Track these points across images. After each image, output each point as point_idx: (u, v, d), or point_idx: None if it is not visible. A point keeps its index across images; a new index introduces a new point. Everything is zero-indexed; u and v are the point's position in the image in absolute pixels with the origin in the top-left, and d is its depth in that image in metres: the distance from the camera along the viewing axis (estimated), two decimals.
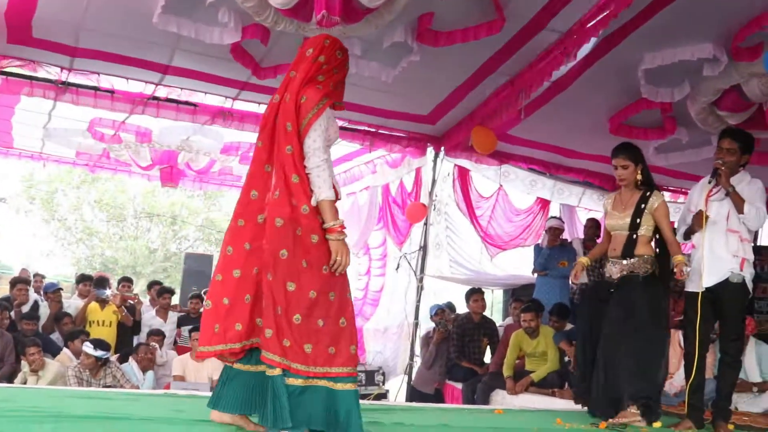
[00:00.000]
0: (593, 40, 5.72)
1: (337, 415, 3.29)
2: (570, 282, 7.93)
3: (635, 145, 5.19)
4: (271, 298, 3.30)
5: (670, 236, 4.92)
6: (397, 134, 8.25)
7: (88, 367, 6.85)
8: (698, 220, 4.81)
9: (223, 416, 3.51)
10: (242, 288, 3.38)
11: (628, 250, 4.96)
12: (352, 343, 3.43)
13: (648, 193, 5.00)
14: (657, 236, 4.99)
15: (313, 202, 3.34)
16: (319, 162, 3.34)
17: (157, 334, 8.16)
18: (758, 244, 9.40)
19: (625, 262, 4.95)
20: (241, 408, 3.45)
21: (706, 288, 4.75)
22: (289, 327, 3.28)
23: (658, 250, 5.01)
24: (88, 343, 6.94)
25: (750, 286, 4.77)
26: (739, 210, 4.66)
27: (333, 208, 3.37)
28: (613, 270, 5.01)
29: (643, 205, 4.97)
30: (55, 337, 7.97)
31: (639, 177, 5.06)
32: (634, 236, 4.95)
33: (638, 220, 4.95)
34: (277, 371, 3.24)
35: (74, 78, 6.93)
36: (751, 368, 6.39)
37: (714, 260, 4.73)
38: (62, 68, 6.73)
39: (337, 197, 3.46)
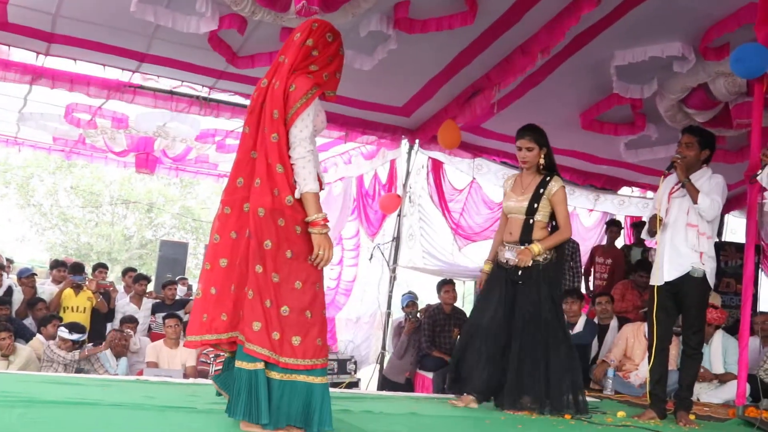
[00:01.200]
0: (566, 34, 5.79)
1: (312, 410, 3.25)
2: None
3: (541, 128, 5.02)
4: (259, 291, 3.24)
5: (562, 224, 4.86)
6: (372, 125, 8.28)
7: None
8: (653, 223, 4.94)
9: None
10: (228, 277, 3.33)
11: (525, 235, 4.84)
12: (323, 335, 3.40)
13: (548, 178, 4.88)
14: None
15: (296, 195, 3.28)
16: (304, 153, 3.27)
17: (131, 321, 8.16)
18: (722, 239, 9.63)
19: (522, 248, 4.81)
20: None
21: (669, 282, 4.87)
22: (278, 319, 3.22)
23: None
24: (62, 328, 6.97)
25: (711, 280, 4.88)
26: (694, 200, 4.77)
27: (317, 201, 3.30)
28: (509, 256, 4.85)
29: (541, 190, 4.84)
30: (29, 322, 7.95)
31: (542, 161, 4.92)
32: (531, 221, 4.84)
33: (536, 205, 4.83)
34: (260, 365, 3.20)
35: (51, 63, 6.90)
36: (716, 359, 6.54)
37: (675, 255, 4.84)
38: (38, 53, 6.70)
39: (321, 188, 3.39)
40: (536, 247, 4.72)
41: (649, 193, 9.62)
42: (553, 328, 4.74)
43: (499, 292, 4.87)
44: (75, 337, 6.90)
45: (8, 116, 9.07)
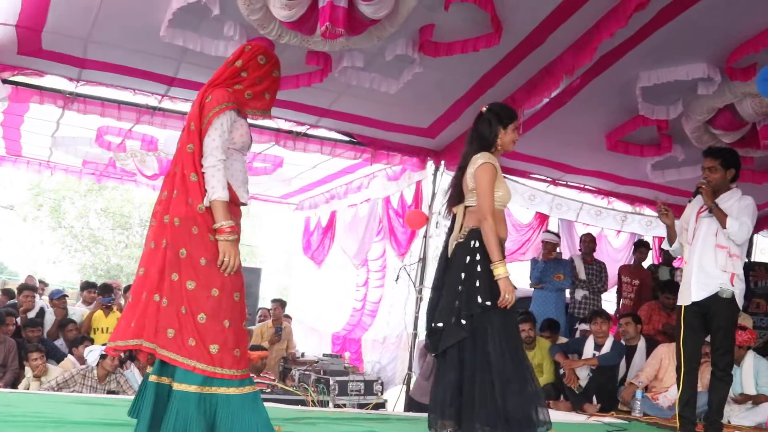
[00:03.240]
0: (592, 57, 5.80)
1: (223, 421, 3.21)
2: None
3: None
4: (173, 298, 3.25)
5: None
6: (397, 147, 8.33)
7: (112, 368, 6.93)
8: (671, 233, 5.00)
9: None
10: (143, 285, 3.34)
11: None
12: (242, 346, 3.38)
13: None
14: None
15: (205, 202, 3.30)
16: (214, 162, 3.30)
17: None
18: (752, 260, 9.52)
19: None
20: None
21: (696, 302, 4.84)
22: (194, 326, 3.21)
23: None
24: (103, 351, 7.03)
25: (740, 301, 4.85)
26: (722, 225, 4.76)
27: (224, 209, 3.32)
28: None
29: None
30: (60, 343, 8.05)
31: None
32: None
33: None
34: (183, 387, 3.18)
35: (82, 89, 7.05)
36: (747, 381, 6.45)
37: (703, 275, 4.82)
38: (70, 79, 6.84)
39: (237, 201, 3.46)
40: None
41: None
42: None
43: None
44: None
45: (42, 141, 9.24)
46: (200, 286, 3.26)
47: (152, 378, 3.29)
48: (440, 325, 3.72)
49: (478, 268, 3.70)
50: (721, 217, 4.78)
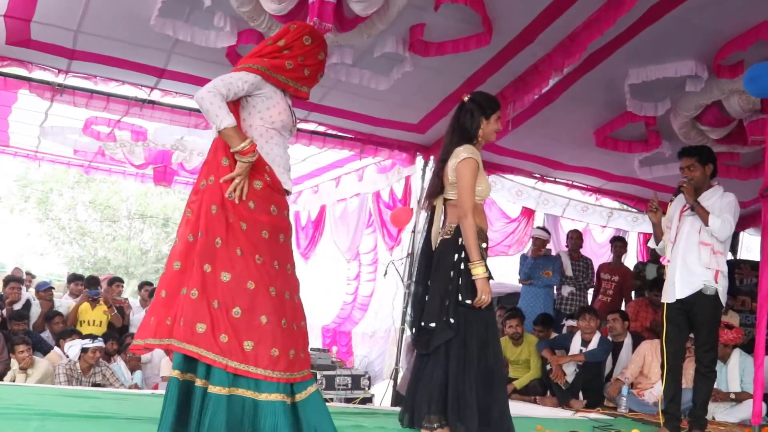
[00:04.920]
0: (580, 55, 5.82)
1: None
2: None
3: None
4: (206, 291, 3.05)
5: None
6: (387, 142, 8.34)
7: (94, 360, 6.93)
8: (658, 232, 5.03)
9: None
10: (180, 281, 3.15)
11: None
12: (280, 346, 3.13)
13: None
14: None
15: (214, 133, 3.15)
16: (206, 89, 3.10)
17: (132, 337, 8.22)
18: (737, 257, 9.58)
19: None
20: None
21: (680, 299, 4.87)
22: (228, 321, 3.03)
23: None
24: (86, 341, 7.02)
25: (723, 298, 4.89)
26: (705, 222, 4.81)
27: (238, 132, 3.13)
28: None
29: None
30: (46, 335, 8.03)
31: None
32: None
33: None
34: (217, 389, 2.99)
35: (71, 80, 7.01)
36: (732, 378, 6.50)
37: (687, 273, 4.86)
38: (59, 70, 6.80)
39: (279, 187, 3.27)
40: None
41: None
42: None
43: None
44: (98, 343, 7.01)
45: (29, 130, 9.19)
46: (236, 278, 3.08)
47: (175, 374, 3.08)
48: (432, 325, 3.67)
49: (462, 266, 3.67)
50: (704, 214, 4.83)
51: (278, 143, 3.33)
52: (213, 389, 3.00)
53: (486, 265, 3.68)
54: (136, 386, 7.44)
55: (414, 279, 3.99)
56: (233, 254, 3.09)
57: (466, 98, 3.91)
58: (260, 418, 3.02)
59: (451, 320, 3.62)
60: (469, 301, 3.62)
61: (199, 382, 3.05)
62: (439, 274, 3.76)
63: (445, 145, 3.89)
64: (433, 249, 3.89)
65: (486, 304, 3.65)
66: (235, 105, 3.27)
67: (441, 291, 3.71)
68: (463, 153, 3.74)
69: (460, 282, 3.65)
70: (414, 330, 3.82)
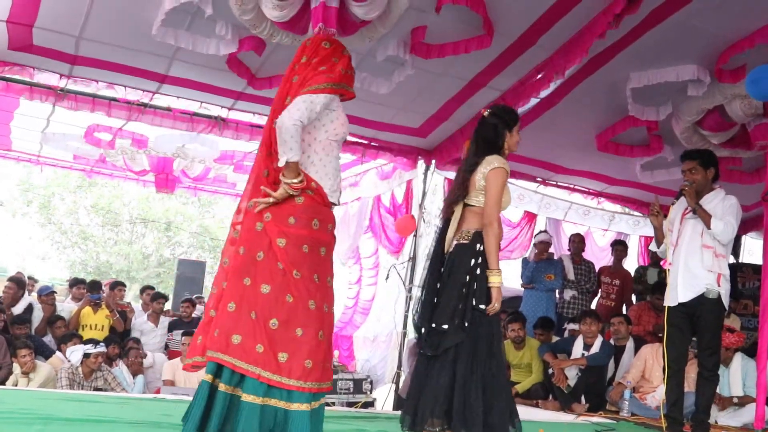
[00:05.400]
0: (582, 59, 5.82)
1: None
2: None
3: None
4: (244, 303, 3.15)
5: None
6: (389, 147, 8.34)
7: (96, 365, 6.95)
8: (659, 234, 5.07)
9: None
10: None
11: None
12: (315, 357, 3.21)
13: None
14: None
15: (280, 163, 3.20)
16: (291, 121, 3.15)
17: (136, 343, 8.22)
18: (740, 261, 9.57)
19: None
20: None
21: (683, 303, 4.87)
22: (264, 332, 3.11)
23: None
24: (88, 346, 7.03)
25: (726, 301, 4.88)
26: (707, 225, 4.81)
27: (298, 167, 3.22)
28: None
29: None
30: (48, 340, 8.02)
31: None
32: None
33: None
34: (251, 398, 3.08)
35: (73, 85, 7.02)
36: (735, 381, 6.49)
37: (689, 276, 4.86)
38: (61, 75, 6.82)
39: (327, 201, 3.34)
40: None
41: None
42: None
43: None
44: (101, 348, 7.02)
45: (31, 136, 9.21)
46: (275, 290, 3.16)
47: (207, 377, 3.19)
48: (445, 327, 3.72)
49: (478, 271, 3.73)
50: (705, 217, 4.83)
51: (336, 155, 3.43)
52: (247, 398, 3.09)
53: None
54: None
55: (423, 281, 4.01)
56: (274, 267, 3.18)
57: (486, 113, 4.01)
58: (290, 427, 3.09)
59: (465, 323, 3.68)
60: (482, 306, 3.68)
61: (222, 387, 3.14)
62: (455, 277, 3.80)
63: (469, 157, 3.95)
64: (446, 252, 3.92)
65: (496, 311, 3.72)
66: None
67: (455, 294, 3.75)
68: (495, 162, 3.82)
69: (475, 287, 3.71)
70: (423, 330, 3.85)
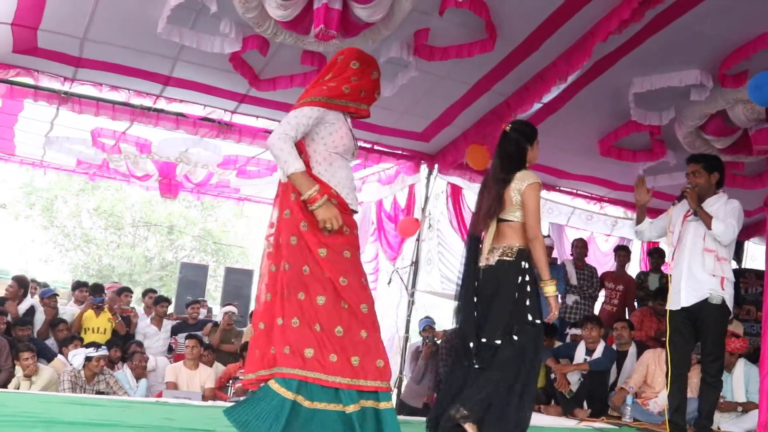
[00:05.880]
0: (584, 63, 5.83)
1: None
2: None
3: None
4: (305, 317, 3.22)
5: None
6: (391, 151, 8.35)
7: (98, 369, 6.95)
8: (640, 213, 5.12)
9: None
10: (271, 311, 3.34)
11: None
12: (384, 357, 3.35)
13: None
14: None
15: (283, 179, 3.31)
16: (279, 134, 3.27)
17: (139, 346, 8.22)
18: (743, 267, 9.56)
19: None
20: None
21: (686, 308, 4.86)
22: (333, 341, 3.20)
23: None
24: (90, 350, 7.03)
25: (731, 305, 4.87)
26: (708, 226, 4.81)
27: (306, 178, 3.29)
28: None
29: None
30: (50, 342, 8.03)
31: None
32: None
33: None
34: (331, 407, 3.15)
35: (77, 88, 7.04)
36: (738, 387, 6.48)
37: (693, 281, 4.85)
38: (65, 78, 6.83)
39: (347, 208, 3.40)
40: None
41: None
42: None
43: None
44: (102, 352, 7.02)
45: (35, 140, 9.21)
46: (330, 300, 3.25)
47: (288, 395, 3.16)
48: (498, 342, 3.83)
49: (528, 288, 3.87)
50: (706, 219, 4.84)
51: (341, 166, 3.47)
52: (349, 408, 3.15)
53: None
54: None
55: (460, 296, 4.13)
56: (323, 278, 3.26)
57: (508, 128, 4.15)
58: (384, 427, 3.20)
59: (515, 337, 3.82)
60: (538, 321, 3.86)
61: (307, 404, 3.16)
62: (503, 293, 3.91)
63: (497, 173, 4.06)
64: (481, 267, 4.03)
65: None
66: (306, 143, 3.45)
67: (505, 310, 3.88)
68: (529, 178, 3.96)
69: (527, 302, 3.86)
70: (472, 345, 3.93)
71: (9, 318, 7.80)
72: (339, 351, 3.18)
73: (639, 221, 5.34)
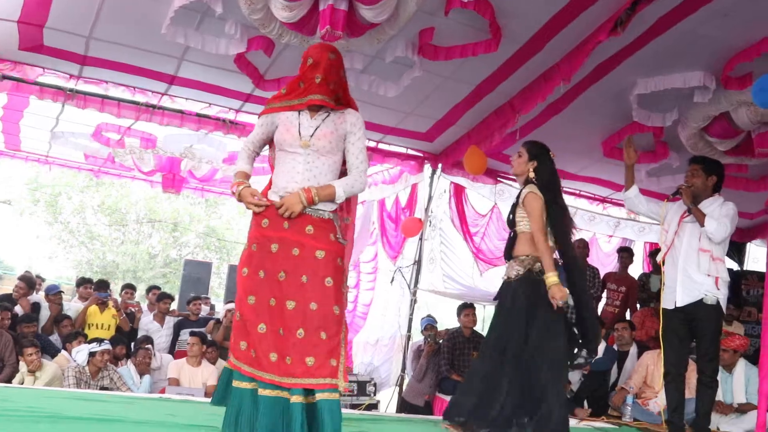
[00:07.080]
0: (587, 64, 5.83)
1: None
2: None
3: (539, 142, 4.78)
4: (312, 326, 3.33)
5: (538, 238, 4.40)
6: (395, 150, 8.37)
7: (103, 363, 7.00)
8: (629, 178, 5.25)
9: None
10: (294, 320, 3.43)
11: (508, 250, 4.63)
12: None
13: (524, 187, 4.57)
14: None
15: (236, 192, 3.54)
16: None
17: (147, 342, 8.25)
18: (744, 269, 9.56)
19: (507, 265, 4.62)
20: None
21: (681, 308, 4.88)
22: (337, 347, 3.39)
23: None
24: (93, 345, 7.08)
25: (724, 306, 4.90)
26: (701, 223, 4.84)
27: (235, 177, 3.59)
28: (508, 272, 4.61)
29: (516, 200, 4.61)
30: (54, 338, 8.07)
31: (531, 174, 4.59)
32: (512, 234, 4.61)
33: (512, 216, 4.63)
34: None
35: (82, 86, 7.07)
36: (738, 388, 6.50)
37: (688, 282, 4.88)
38: (71, 76, 6.87)
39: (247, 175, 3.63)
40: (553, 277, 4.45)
41: None
42: (533, 349, 4.37)
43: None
44: (105, 346, 7.08)
45: (40, 135, 9.26)
46: (342, 310, 3.44)
47: (296, 399, 3.28)
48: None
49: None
50: (700, 216, 4.88)
51: (283, 160, 3.56)
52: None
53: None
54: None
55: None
56: (339, 290, 3.48)
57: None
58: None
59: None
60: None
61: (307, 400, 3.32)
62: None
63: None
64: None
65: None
66: (271, 149, 3.69)
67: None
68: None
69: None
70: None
71: (18, 310, 7.83)
72: (337, 357, 3.41)
73: (627, 187, 5.33)
